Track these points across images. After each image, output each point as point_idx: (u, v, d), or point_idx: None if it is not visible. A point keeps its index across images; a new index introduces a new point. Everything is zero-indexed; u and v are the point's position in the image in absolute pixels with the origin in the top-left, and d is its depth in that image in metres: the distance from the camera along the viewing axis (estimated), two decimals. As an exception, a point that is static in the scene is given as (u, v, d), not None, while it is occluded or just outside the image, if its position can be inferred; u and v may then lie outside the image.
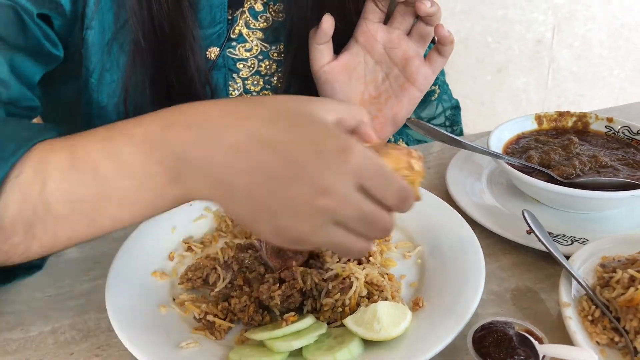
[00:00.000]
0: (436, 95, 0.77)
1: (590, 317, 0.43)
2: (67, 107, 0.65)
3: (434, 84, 0.75)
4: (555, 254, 0.47)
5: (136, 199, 0.39)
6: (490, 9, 1.84)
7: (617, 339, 0.42)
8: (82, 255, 0.54)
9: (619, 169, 0.56)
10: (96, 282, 0.51)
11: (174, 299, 0.48)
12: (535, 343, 0.39)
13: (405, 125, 0.65)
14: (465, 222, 0.53)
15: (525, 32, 1.85)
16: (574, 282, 0.45)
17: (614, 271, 0.45)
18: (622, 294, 0.42)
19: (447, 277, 0.48)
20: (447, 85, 0.80)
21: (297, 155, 0.35)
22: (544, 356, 0.39)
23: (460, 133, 0.80)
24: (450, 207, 0.56)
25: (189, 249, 0.53)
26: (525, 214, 0.50)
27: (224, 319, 0.45)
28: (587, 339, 0.41)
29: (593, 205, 0.55)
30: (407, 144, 0.77)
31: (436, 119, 0.78)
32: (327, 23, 0.58)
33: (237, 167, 0.36)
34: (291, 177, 0.35)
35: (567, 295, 0.44)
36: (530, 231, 0.50)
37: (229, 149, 0.36)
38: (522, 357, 0.38)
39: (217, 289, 0.46)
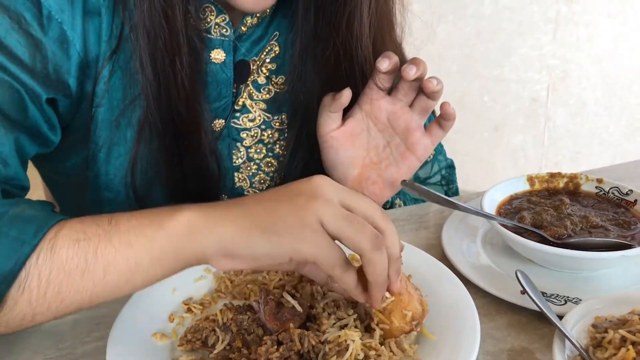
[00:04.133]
0: (432, 156, 0.79)
1: (584, 378, 0.44)
2: (74, 178, 0.67)
3: None
4: (549, 314, 0.48)
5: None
6: (486, 69, 1.90)
7: (611, 399, 0.42)
8: (83, 316, 0.55)
9: (610, 229, 0.58)
10: (97, 343, 0.52)
11: (173, 361, 0.48)
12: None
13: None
14: (460, 282, 0.54)
15: (520, 91, 1.91)
16: (567, 343, 0.46)
17: (606, 331, 0.45)
18: (614, 354, 0.43)
19: (443, 337, 0.49)
20: (442, 146, 0.83)
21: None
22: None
23: (456, 191, 0.82)
24: (446, 267, 0.57)
25: (189, 310, 0.54)
26: (519, 275, 0.51)
27: (223, 381, 0.45)
28: (581, 400, 0.42)
29: (584, 265, 0.56)
30: (404, 202, 0.79)
31: (432, 178, 0.80)
32: (346, 96, 0.62)
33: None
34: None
35: (560, 355, 0.45)
36: (524, 291, 0.51)
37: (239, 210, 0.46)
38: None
39: (215, 351, 0.47)
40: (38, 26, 0.56)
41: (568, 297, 0.54)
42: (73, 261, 0.44)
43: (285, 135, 0.70)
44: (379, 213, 0.46)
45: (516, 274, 0.51)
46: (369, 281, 0.45)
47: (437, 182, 0.80)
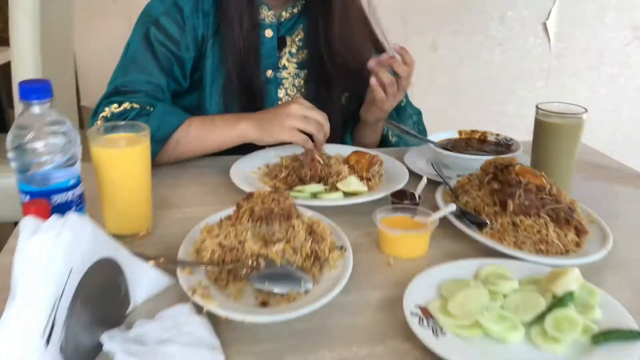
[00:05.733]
0: (403, 103, 1.28)
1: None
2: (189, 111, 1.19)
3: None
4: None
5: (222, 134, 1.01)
6: (493, 104, 2.38)
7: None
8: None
9: (491, 152, 1.07)
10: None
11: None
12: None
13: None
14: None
15: (519, 123, 2.38)
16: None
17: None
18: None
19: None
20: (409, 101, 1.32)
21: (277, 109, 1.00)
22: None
23: (424, 131, 1.31)
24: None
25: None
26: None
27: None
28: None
29: (466, 164, 1.04)
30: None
31: (408, 121, 1.30)
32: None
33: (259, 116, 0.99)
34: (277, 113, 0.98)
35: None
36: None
37: (257, 117, 0.99)
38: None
39: (282, 176, 0.99)
40: (181, 19, 1.12)
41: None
42: (197, 134, 1.01)
43: (305, 82, 1.24)
44: (321, 117, 1.01)
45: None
46: (315, 143, 1.00)
47: (411, 124, 1.29)
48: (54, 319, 0.52)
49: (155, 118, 1.03)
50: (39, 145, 0.67)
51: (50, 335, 0.52)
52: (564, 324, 0.62)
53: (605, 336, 0.61)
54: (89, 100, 2.56)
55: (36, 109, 0.67)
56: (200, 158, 1.11)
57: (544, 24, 2.25)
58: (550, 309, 0.65)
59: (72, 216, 0.56)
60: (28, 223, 0.54)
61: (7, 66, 2.26)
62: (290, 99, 1.23)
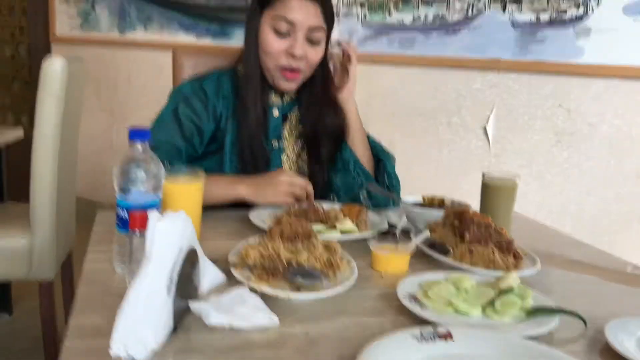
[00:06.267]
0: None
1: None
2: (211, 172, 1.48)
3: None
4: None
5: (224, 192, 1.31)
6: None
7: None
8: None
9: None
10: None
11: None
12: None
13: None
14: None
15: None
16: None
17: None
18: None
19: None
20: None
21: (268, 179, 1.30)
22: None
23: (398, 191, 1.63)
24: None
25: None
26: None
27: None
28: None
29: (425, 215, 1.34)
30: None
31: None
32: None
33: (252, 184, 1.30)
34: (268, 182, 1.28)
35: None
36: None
37: (252, 182, 1.29)
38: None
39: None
40: (205, 98, 1.44)
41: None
42: (205, 187, 1.26)
43: (301, 148, 1.55)
44: (304, 182, 1.32)
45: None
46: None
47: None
48: (171, 277, 0.78)
49: (171, 161, 1.32)
50: (139, 173, 0.94)
51: (169, 288, 0.77)
52: (508, 304, 0.91)
53: (535, 311, 0.90)
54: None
55: (139, 146, 0.95)
56: (214, 211, 1.38)
57: (484, 128, 2.67)
58: (497, 296, 0.93)
59: (181, 213, 0.82)
60: (153, 215, 0.81)
61: (16, 144, 2.50)
62: (290, 162, 1.55)
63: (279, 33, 1.40)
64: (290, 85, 1.47)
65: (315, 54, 1.44)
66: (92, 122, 3.79)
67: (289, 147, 1.55)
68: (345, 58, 1.50)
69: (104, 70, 3.78)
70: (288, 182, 1.32)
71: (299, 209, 1.30)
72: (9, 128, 2.58)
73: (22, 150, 3.16)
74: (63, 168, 2.06)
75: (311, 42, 1.42)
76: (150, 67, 3.61)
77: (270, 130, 1.51)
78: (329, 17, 1.44)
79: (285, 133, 1.55)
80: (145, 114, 3.60)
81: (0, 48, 4.22)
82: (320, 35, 1.43)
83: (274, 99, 1.54)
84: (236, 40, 3.22)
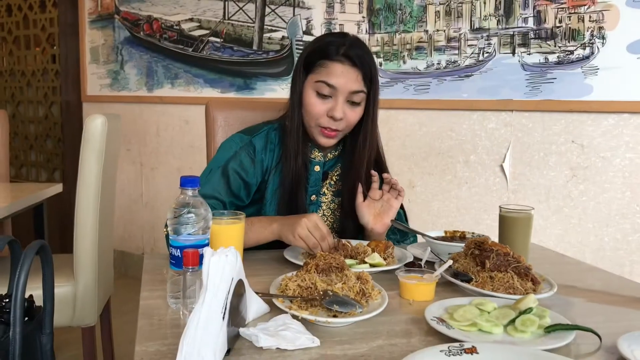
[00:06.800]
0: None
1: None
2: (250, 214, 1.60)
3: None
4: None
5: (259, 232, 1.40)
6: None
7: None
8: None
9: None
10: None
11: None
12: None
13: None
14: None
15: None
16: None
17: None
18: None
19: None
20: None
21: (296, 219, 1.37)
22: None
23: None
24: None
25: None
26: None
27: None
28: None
29: (446, 248, 1.43)
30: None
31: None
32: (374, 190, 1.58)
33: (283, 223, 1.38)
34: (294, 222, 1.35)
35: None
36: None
37: (285, 218, 1.38)
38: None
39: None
40: (253, 154, 1.56)
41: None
42: (245, 228, 1.34)
43: (337, 206, 1.65)
44: (325, 229, 1.32)
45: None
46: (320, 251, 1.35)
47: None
48: (225, 305, 0.88)
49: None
50: (190, 216, 1.06)
51: (224, 314, 0.87)
52: (527, 322, 0.99)
53: (553, 327, 0.99)
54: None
55: (189, 192, 1.07)
56: (252, 251, 1.48)
57: (501, 166, 2.77)
58: (517, 316, 1.02)
59: (231, 248, 0.94)
60: (208, 250, 0.92)
61: (54, 198, 2.65)
62: (326, 218, 1.65)
63: (321, 96, 1.50)
64: (328, 141, 1.56)
65: (354, 115, 1.52)
66: (121, 174, 3.96)
67: (326, 203, 1.65)
68: (392, 192, 1.56)
69: (132, 125, 3.96)
70: (308, 226, 1.32)
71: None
72: (43, 184, 2.74)
73: (57, 204, 3.33)
74: (102, 218, 2.19)
75: (351, 103, 1.51)
76: (177, 120, 3.79)
77: (310, 185, 1.61)
78: (369, 81, 1.51)
79: (324, 189, 1.65)
80: (174, 164, 3.77)
81: (35, 108, 4.44)
82: (361, 98, 1.51)
83: (316, 154, 1.64)
84: (258, 92, 3.39)
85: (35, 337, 1.05)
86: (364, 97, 1.53)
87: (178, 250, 1.06)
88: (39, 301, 1.13)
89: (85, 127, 2.05)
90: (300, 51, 1.81)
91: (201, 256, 1.02)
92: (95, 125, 2.05)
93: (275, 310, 1.04)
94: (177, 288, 1.07)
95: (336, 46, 1.50)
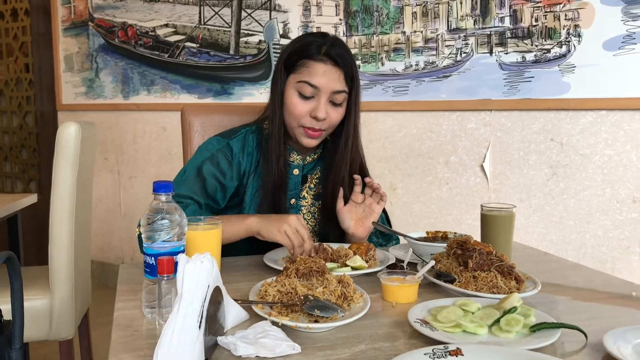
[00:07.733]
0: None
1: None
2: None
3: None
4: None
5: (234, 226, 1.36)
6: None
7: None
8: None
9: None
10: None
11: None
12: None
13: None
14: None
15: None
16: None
17: (436, 258, 1.32)
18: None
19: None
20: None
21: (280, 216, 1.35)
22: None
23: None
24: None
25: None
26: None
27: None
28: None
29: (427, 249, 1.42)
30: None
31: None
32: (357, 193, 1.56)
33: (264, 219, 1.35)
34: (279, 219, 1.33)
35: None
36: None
37: (262, 216, 1.35)
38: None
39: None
40: (230, 156, 1.53)
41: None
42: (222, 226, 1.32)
43: (317, 209, 1.62)
44: (307, 236, 1.32)
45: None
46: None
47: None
48: (201, 313, 0.85)
49: (188, 213, 1.39)
50: (164, 222, 1.02)
51: (200, 323, 0.84)
52: (512, 322, 0.98)
53: (538, 326, 0.97)
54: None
55: (163, 198, 1.03)
56: (230, 258, 1.45)
57: (481, 166, 2.76)
58: (502, 316, 1.00)
59: (207, 254, 0.90)
60: (182, 257, 0.88)
61: (29, 209, 2.59)
62: (306, 222, 1.61)
63: (303, 96, 1.48)
64: (312, 141, 1.53)
65: (336, 115, 1.51)
66: (98, 184, 3.89)
67: (306, 207, 1.63)
68: (374, 197, 1.55)
69: (109, 133, 3.91)
70: (294, 225, 1.31)
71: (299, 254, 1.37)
72: (18, 195, 2.68)
73: (34, 216, 3.26)
74: (79, 229, 2.14)
75: (333, 103, 1.50)
76: (154, 127, 3.74)
77: (289, 189, 1.59)
78: (351, 79, 1.51)
79: (304, 193, 1.63)
80: (152, 172, 3.71)
81: (9, 119, 4.36)
82: (343, 97, 1.50)
83: (295, 157, 1.61)
84: (236, 97, 3.35)
85: (4, 354, 1.01)
86: (346, 97, 1.52)
87: (152, 258, 1.03)
88: (9, 315, 1.08)
89: (58, 135, 2.00)
90: (279, 54, 1.78)
91: (176, 263, 0.99)
92: (68, 133, 2.00)
93: (254, 318, 1.01)
94: (153, 297, 1.03)
95: (317, 46, 1.48)
